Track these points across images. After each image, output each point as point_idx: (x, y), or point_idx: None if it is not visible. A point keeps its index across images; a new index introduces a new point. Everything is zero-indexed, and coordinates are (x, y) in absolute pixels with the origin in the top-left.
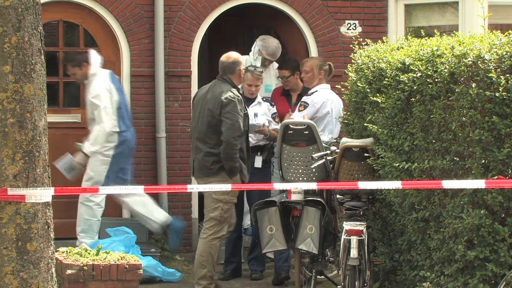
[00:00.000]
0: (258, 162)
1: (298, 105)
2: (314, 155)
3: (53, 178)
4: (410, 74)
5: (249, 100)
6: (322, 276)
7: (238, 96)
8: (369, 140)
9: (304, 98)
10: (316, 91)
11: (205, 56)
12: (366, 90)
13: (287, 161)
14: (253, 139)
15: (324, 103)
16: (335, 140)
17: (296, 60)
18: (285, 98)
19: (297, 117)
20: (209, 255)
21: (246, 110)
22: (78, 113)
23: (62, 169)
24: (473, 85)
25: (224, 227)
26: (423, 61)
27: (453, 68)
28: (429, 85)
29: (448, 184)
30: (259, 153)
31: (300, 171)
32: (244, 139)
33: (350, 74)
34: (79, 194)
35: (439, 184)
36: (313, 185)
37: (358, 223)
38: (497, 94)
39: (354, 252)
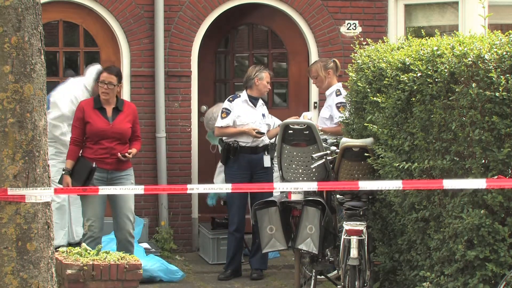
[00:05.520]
0: (267, 161)
1: (337, 107)
2: (314, 155)
3: None
4: (410, 74)
5: (255, 100)
6: (322, 276)
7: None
8: (369, 140)
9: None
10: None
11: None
12: (366, 90)
13: (287, 161)
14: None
15: None
16: (335, 140)
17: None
18: (99, 112)
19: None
20: None
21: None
22: None
23: None
24: (473, 85)
25: None
26: (423, 61)
27: (453, 68)
28: (429, 85)
29: (449, 184)
30: (266, 152)
31: (300, 171)
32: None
33: (350, 74)
34: (79, 194)
35: (439, 184)
36: (313, 185)
37: (358, 223)
38: (497, 94)
39: (354, 252)
